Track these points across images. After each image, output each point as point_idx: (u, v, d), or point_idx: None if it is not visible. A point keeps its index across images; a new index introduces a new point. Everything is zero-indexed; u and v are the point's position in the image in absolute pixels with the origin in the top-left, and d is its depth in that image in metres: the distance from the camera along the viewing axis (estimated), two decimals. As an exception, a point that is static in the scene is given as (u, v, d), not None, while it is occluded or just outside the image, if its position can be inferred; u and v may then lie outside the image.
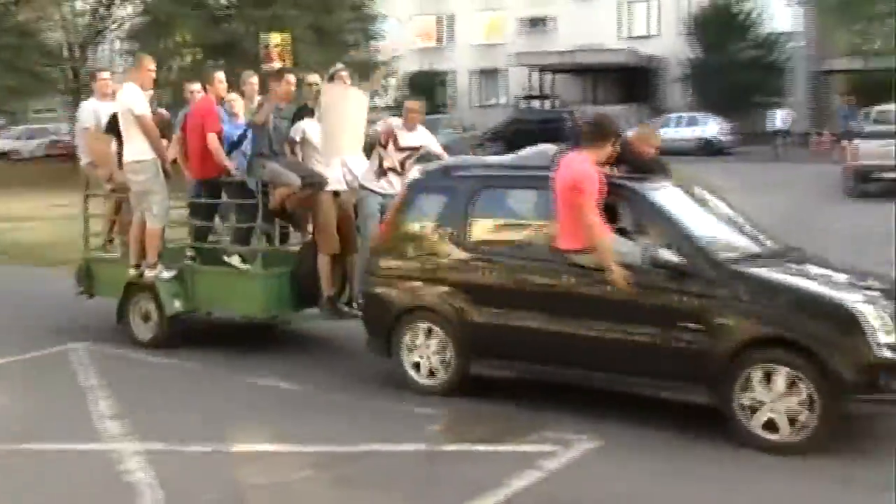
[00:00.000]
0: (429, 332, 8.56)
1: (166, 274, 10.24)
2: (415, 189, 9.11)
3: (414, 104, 10.71)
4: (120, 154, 10.42)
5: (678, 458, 7.01)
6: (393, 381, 8.75)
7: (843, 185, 25.66)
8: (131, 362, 9.86)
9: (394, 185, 10.06)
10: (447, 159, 10.03)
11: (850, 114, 36.92)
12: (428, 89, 49.41)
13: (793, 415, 6.96)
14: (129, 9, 39.61)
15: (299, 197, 9.97)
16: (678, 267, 7.40)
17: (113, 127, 10.57)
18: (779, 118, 40.60)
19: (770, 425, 7.05)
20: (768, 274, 7.53)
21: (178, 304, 10.25)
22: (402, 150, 10.26)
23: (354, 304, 10.06)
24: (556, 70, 51.12)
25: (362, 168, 10.38)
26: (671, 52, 49.03)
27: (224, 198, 10.85)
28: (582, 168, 7.73)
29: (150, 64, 10.39)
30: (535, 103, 50.79)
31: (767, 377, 7.03)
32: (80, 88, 35.40)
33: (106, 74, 12.70)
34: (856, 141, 26.01)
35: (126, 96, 10.02)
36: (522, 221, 8.78)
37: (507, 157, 9.73)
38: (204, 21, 34.51)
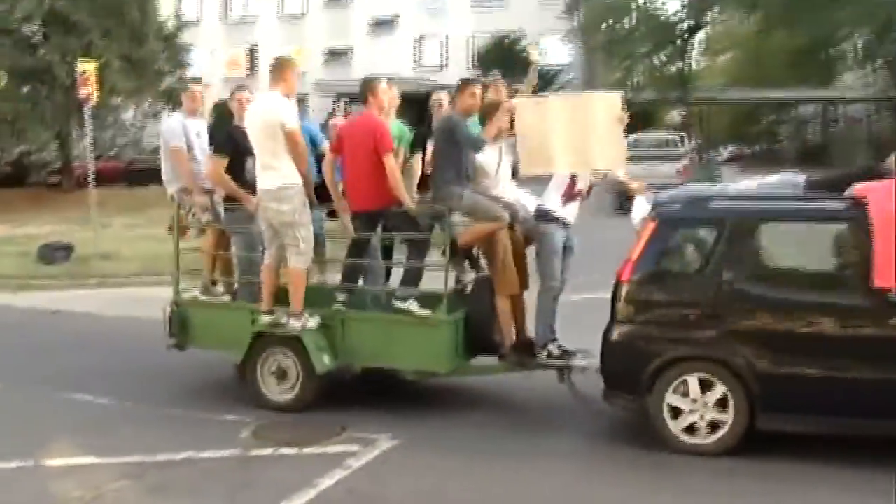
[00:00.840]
0: (704, 385, 6.98)
1: (312, 323, 7.99)
2: (669, 223, 7.45)
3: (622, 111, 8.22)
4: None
5: (475, 456, 7.02)
6: (207, 392, 8.49)
7: (611, 202, 26.67)
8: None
9: (575, 212, 8.32)
10: (694, 189, 8.49)
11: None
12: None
13: None
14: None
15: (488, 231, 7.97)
16: None
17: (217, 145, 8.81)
18: None
19: None
20: None
21: (327, 360, 8.01)
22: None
23: (541, 351, 8.12)
24: (353, 98, 51.17)
25: (528, 200, 8.46)
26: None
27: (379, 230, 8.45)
28: None
29: (297, 69, 8.37)
30: (336, 128, 50.69)
31: None
32: None
33: (198, 87, 10.16)
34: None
35: (274, 107, 7.89)
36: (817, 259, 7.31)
37: (752, 185, 8.36)
38: (15, 47, 32.88)
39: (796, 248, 7.38)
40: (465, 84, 8.22)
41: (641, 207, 7.91)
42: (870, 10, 37.24)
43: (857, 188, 6.87)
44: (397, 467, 6.78)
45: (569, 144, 8.03)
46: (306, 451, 7.10)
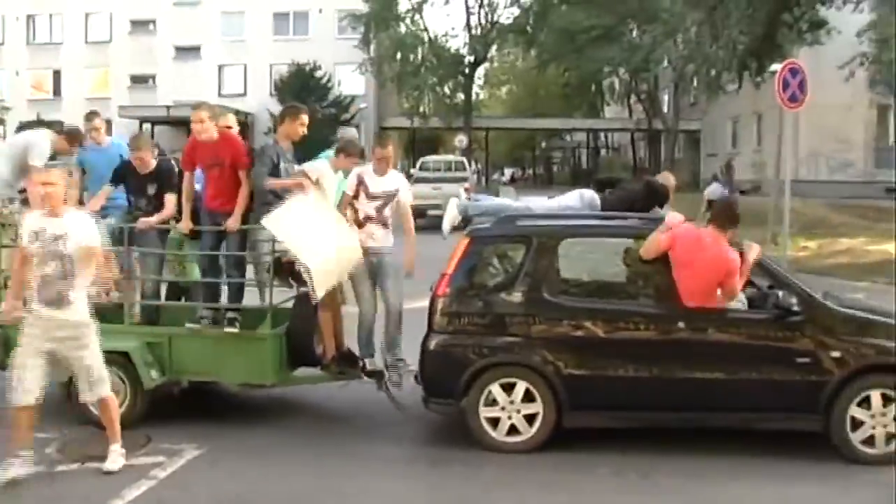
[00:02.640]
0: (513, 387, 7.17)
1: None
2: (479, 241, 7.61)
3: (386, 150, 8.17)
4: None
5: (282, 462, 6.97)
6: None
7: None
8: None
9: (376, 237, 8.13)
10: (507, 208, 8.35)
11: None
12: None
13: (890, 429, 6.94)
14: None
15: None
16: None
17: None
18: None
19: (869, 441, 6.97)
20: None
21: (155, 375, 7.64)
22: (374, 197, 8.18)
23: (364, 362, 8.14)
24: (156, 122, 49.84)
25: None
26: (261, 108, 49.27)
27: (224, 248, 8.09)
28: (730, 257, 6.98)
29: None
30: (142, 151, 49.11)
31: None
32: None
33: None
34: (412, 185, 27.47)
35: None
36: (610, 273, 7.81)
37: (545, 203, 8.52)
38: None
39: (595, 263, 7.97)
40: (293, 111, 8.29)
41: (451, 213, 8.19)
42: (628, 52, 39.19)
43: (669, 228, 7.19)
44: (202, 476, 6.64)
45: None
46: (113, 464, 6.84)
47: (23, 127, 10.34)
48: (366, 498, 6.28)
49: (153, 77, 53.72)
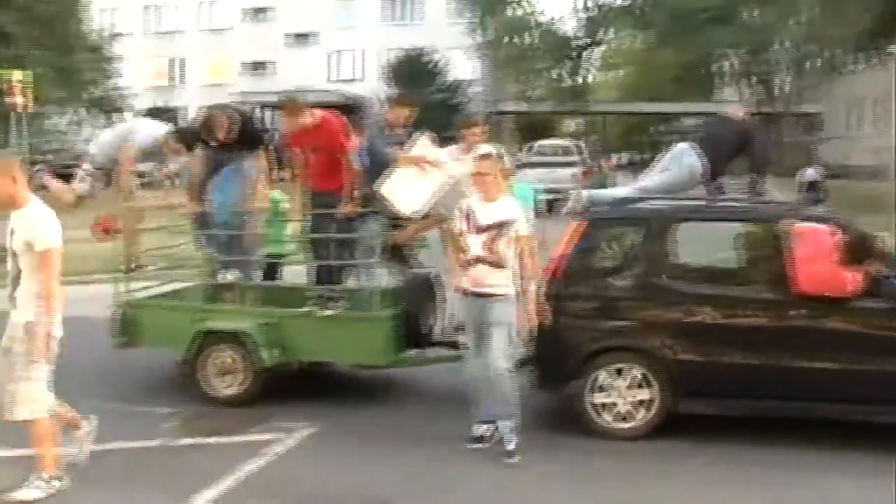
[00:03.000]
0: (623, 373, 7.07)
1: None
2: (595, 224, 7.47)
3: (488, 165, 6.83)
4: None
5: (393, 442, 7.04)
6: (143, 388, 8.37)
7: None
8: None
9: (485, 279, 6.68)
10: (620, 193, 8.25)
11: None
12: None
13: None
14: None
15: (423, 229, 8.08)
16: None
17: None
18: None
19: None
20: None
21: (272, 355, 7.76)
22: (482, 230, 6.70)
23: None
24: (274, 107, 50.79)
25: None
26: (374, 93, 49.70)
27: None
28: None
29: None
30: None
31: None
32: None
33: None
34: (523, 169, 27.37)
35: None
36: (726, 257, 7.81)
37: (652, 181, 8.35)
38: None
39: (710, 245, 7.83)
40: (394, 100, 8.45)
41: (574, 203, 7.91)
42: (744, 32, 38.18)
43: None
44: (316, 453, 6.75)
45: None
46: (230, 439, 7.03)
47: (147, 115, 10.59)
48: (472, 484, 6.27)
49: (270, 64, 54.74)
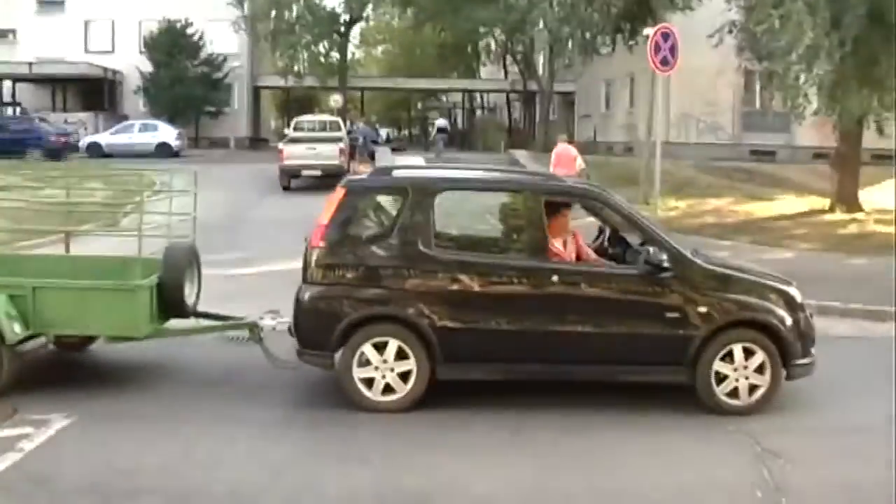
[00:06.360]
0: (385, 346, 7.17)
1: None
2: (355, 192, 7.55)
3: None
4: None
5: (155, 427, 6.87)
6: None
7: (280, 181, 26.66)
8: None
9: None
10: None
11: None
12: None
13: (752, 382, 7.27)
14: None
15: None
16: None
17: None
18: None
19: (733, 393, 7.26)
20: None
21: (18, 329, 7.25)
22: None
23: None
24: (18, 79, 47.75)
25: None
26: (129, 66, 47.68)
27: None
28: None
29: None
30: (7, 110, 47.01)
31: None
32: None
33: None
34: (285, 145, 27.22)
35: None
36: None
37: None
38: None
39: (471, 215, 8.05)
40: None
41: None
42: (504, 13, 39.31)
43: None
44: (73, 446, 6.47)
45: None
46: (-24, 436, 6.60)
47: None
48: (241, 463, 6.21)
49: (14, 32, 51.21)
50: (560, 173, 15.07)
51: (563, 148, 19.93)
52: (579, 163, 19.40)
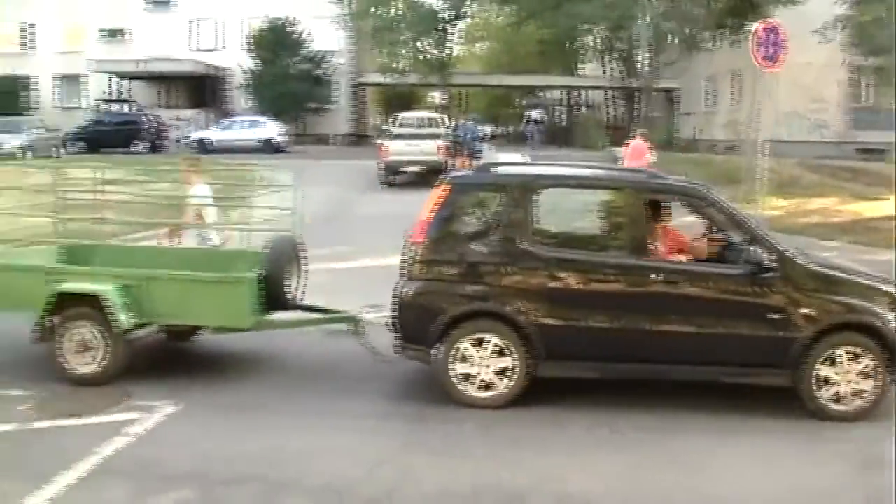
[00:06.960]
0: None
1: None
2: (457, 189, 7.57)
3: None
4: None
5: (258, 416, 7.02)
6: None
7: (379, 177, 26.90)
8: None
9: None
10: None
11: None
12: (11, 92, 46.17)
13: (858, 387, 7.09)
14: None
15: None
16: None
17: None
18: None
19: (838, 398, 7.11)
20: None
21: (130, 318, 7.52)
22: None
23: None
24: (131, 77, 49.20)
25: None
26: (235, 64, 48.69)
27: None
28: None
29: None
30: (115, 106, 48.49)
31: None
32: None
33: None
34: (387, 141, 27.47)
35: None
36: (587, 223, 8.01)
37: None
38: None
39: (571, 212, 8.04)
40: None
41: None
42: (606, 8, 38.92)
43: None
44: (179, 432, 6.66)
45: None
46: (89, 420, 6.83)
47: None
48: (339, 455, 6.30)
49: (128, 31, 52.76)
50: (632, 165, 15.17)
51: (637, 142, 20.30)
52: (648, 157, 19.72)
